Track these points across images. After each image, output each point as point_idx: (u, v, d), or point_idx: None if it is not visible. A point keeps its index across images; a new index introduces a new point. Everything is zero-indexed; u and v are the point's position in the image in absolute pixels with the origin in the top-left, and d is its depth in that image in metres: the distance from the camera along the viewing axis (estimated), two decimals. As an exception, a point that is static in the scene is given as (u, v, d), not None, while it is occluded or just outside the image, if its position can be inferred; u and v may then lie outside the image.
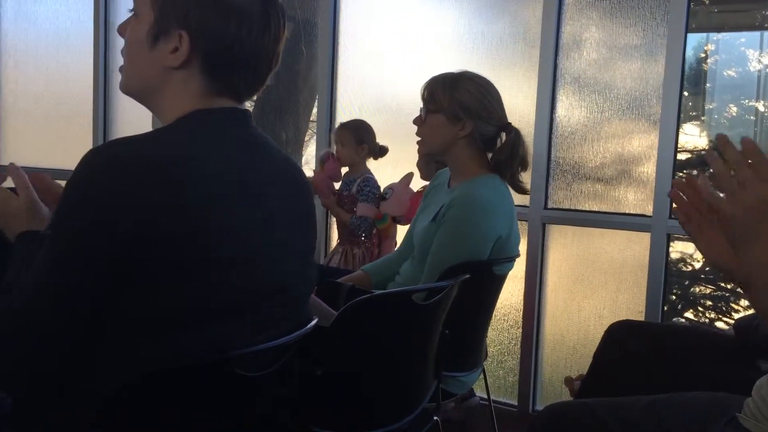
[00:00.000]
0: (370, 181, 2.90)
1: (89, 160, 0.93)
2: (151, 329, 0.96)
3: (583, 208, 2.72)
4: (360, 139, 2.89)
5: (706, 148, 3.80)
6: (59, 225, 0.93)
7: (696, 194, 0.96)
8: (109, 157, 0.94)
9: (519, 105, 2.78)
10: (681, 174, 3.38)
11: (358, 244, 2.89)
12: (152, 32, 1.04)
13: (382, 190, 2.91)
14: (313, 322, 1.15)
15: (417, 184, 2.84)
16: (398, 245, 2.28)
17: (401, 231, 2.86)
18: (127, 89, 1.11)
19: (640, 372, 1.61)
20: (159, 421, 1.00)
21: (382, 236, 2.90)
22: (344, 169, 2.99)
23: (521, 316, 2.78)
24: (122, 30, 1.10)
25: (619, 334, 1.71)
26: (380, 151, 2.94)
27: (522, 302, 2.78)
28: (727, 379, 1.38)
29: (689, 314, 3.94)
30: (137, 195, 0.91)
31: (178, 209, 0.93)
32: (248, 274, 1.01)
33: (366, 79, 3.20)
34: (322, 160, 2.98)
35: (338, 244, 2.98)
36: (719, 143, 0.91)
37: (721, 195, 0.91)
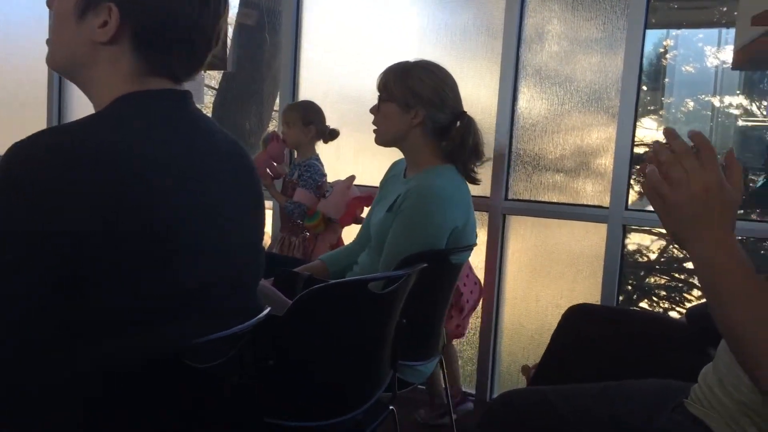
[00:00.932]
0: (312, 167, 2.82)
1: (15, 155, 0.86)
2: (97, 328, 0.92)
3: (543, 200, 2.74)
4: (307, 120, 2.81)
5: (664, 141, 3.86)
6: None
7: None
8: (36, 151, 0.87)
9: (481, 96, 2.79)
10: (637, 167, 3.43)
11: (296, 233, 2.84)
12: (80, 4, 0.99)
13: (326, 180, 2.84)
14: (265, 312, 1.14)
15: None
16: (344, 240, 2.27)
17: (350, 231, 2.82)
18: (53, 64, 1.06)
19: (594, 357, 1.63)
20: (112, 419, 0.97)
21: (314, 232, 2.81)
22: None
23: (480, 306, 2.80)
24: (50, 2, 1.04)
25: (574, 317, 1.73)
26: (330, 134, 2.86)
27: (482, 292, 2.80)
28: (679, 365, 1.41)
29: (644, 304, 4.02)
30: (71, 191, 0.85)
31: (117, 204, 0.87)
32: (195, 265, 0.98)
33: (329, 69, 3.18)
34: (265, 141, 2.91)
35: (279, 230, 2.94)
36: (666, 135, 0.93)
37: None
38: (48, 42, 1.06)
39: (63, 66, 1.06)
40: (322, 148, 2.93)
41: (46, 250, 0.86)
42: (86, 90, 1.06)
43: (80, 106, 3.67)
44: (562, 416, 1.31)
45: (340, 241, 2.81)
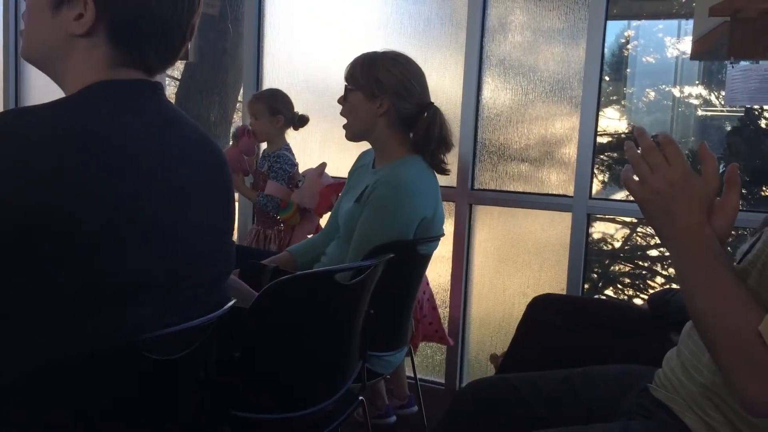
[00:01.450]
0: (282, 157, 2.77)
1: None
2: (52, 313, 0.90)
3: (508, 189, 2.76)
4: (274, 110, 2.76)
5: (626, 131, 3.93)
6: None
7: None
8: None
9: (446, 87, 2.80)
10: (602, 156, 3.48)
11: (271, 226, 2.80)
12: None
13: (298, 169, 2.81)
14: (230, 304, 1.12)
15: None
16: (323, 227, 2.25)
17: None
18: (28, 56, 1.05)
19: (559, 345, 1.65)
20: (67, 410, 0.96)
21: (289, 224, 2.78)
22: (263, 145, 2.89)
23: (448, 296, 2.81)
24: None
25: (539, 307, 1.75)
26: (300, 121, 2.82)
27: (449, 282, 2.81)
28: (642, 351, 1.43)
29: (609, 291, 4.09)
30: (31, 170, 0.84)
31: (76, 185, 0.87)
32: (155, 252, 0.97)
33: (293, 59, 3.15)
34: (236, 135, 2.85)
35: (254, 224, 2.90)
36: (635, 133, 0.98)
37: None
38: (21, 34, 1.05)
39: (37, 57, 1.06)
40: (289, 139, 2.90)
41: None
42: (59, 81, 1.05)
43: (38, 94, 3.57)
44: (529, 403, 1.32)
45: (318, 230, 2.75)
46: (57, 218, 0.86)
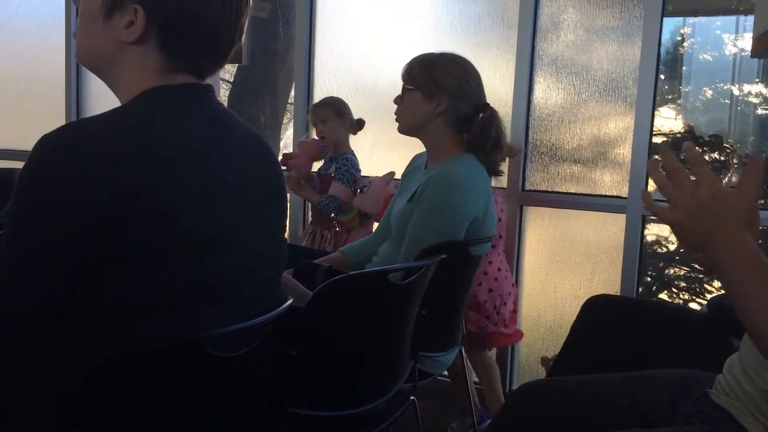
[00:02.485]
0: (349, 161, 2.80)
1: (42, 147, 0.89)
2: (117, 315, 0.94)
3: (560, 190, 2.73)
4: (341, 112, 2.79)
5: (682, 130, 3.83)
6: (17, 215, 0.90)
7: None
8: (64, 142, 0.90)
9: (497, 87, 2.78)
10: (656, 156, 3.41)
11: (329, 227, 2.82)
12: (107, 4, 1.01)
13: (362, 174, 2.83)
14: (287, 303, 1.14)
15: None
16: (375, 227, 2.26)
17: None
18: (81, 60, 1.08)
19: (614, 348, 1.63)
20: (133, 405, 0.99)
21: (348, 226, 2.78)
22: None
23: (499, 297, 2.79)
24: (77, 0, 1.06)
25: (594, 308, 1.73)
26: (358, 125, 2.85)
27: (499, 284, 2.79)
28: (700, 356, 1.40)
29: (663, 295, 4.00)
30: (96, 181, 0.87)
31: (137, 193, 0.90)
32: (215, 254, 0.99)
33: (344, 61, 3.17)
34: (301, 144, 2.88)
35: (309, 224, 2.93)
36: (660, 152, 0.96)
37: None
38: (74, 36, 1.08)
39: (90, 63, 1.08)
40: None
41: (61, 239, 0.88)
42: (113, 87, 1.08)
43: (98, 99, 3.70)
44: (582, 405, 1.31)
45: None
46: (120, 225, 0.89)
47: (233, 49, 1.09)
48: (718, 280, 0.97)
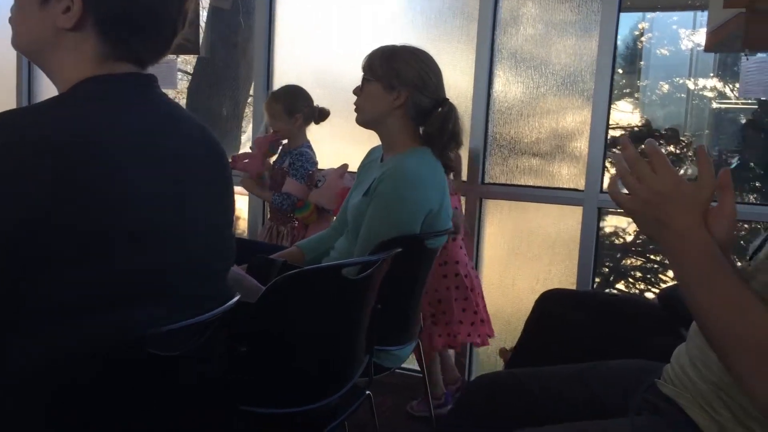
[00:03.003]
0: (303, 155, 2.73)
1: None
2: (58, 315, 0.91)
3: (519, 183, 2.75)
4: (291, 110, 2.72)
5: (639, 124, 3.89)
6: None
7: None
8: None
9: (457, 80, 2.78)
10: (614, 150, 3.45)
11: (285, 223, 2.77)
12: None
13: (318, 168, 2.78)
14: (234, 300, 1.12)
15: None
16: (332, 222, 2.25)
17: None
18: (17, 46, 1.05)
19: (568, 341, 1.64)
20: (72, 410, 0.96)
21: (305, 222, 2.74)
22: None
23: (458, 290, 2.80)
24: None
25: (549, 302, 1.74)
26: (320, 115, 2.77)
27: (459, 276, 2.80)
28: (652, 347, 1.41)
29: (621, 285, 4.07)
30: (31, 175, 0.84)
31: (76, 188, 0.87)
32: (158, 251, 0.97)
33: (304, 53, 3.14)
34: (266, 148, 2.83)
35: (268, 220, 2.88)
36: (621, 145, 0.98)
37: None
38: (10, 22, 1.04)
39: (26, 49, 1.05)
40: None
41: None
42: (50, 75, 1.04)
43: (51, 91, 3.59)
44: (536, 398, 1.31)
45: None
46: (59, 221, 0.86)
47: (176, 36, 1.06)
48: (671, 269, 0.99)
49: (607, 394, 1.29)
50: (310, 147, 2.80)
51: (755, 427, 1.00)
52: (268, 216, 2.93)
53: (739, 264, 1.05)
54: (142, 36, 1.01)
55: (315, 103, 2.79)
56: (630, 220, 1.15)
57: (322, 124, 2.83)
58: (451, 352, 2.68)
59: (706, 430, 1.06)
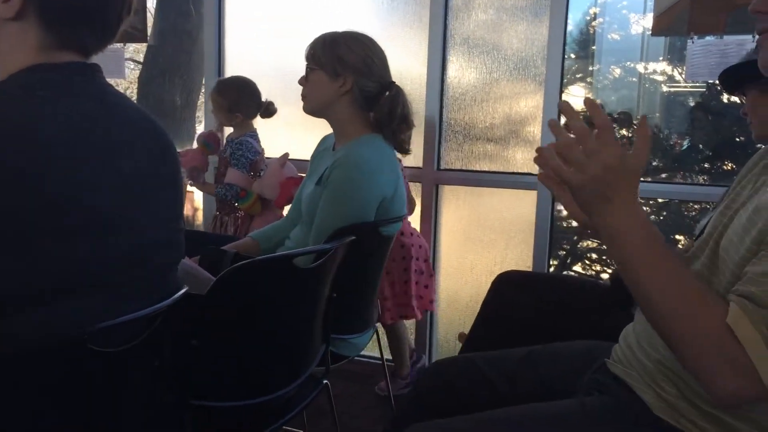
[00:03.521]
0: (244, 144, 2.69)
1: None
2: None
3: (474, 168, 2.76)
4: (232, 108, 2.68)
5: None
6: None
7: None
8: None
9: (411, 66, 2.77)
10: (568, 134, 3.50)
11: (229, 213, 2.75)
12: None
13: (262, 156, 2.76)
14: (181, 292, 1.10)
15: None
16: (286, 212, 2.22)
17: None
18: None
19: (523, 323, 1.66)
20: (14, 407, 0.93)
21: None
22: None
23: (417, 275, 2.81)
24: None
25: (503, 284, 1.75)
26: (267, 111, 2.74)
27: (417, 263, 2.80)
28: (604, 327, 1.43)
29: (577, 267, 4.13)
30: None
31: (17, 178, 0.84)
32: (102, 242, 0.94)
33: (255, 41, 3.09)
34: (205, 144, 2.82)
35: (215, 211, 2.86)
36: (564, 112, 0.91)
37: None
38: None
39: None
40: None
41: None
42: None
43: None
44: (491, 381, 1.32)
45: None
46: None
47: (121, 24, 1.04)
48: (607, 246, 0.96)
49: (559, 375, 1.31)
50: (254, 136, 2.77)
51: (700, 403, 1.03)
52: (216, 207, 2.90)
53: (686, 242, 1.06)
54: (86, 25, 0.99)
55: (264, 97, 2.76)
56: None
57: (276, 115, 2.80)
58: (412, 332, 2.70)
59: (654, 408, 1.08)
